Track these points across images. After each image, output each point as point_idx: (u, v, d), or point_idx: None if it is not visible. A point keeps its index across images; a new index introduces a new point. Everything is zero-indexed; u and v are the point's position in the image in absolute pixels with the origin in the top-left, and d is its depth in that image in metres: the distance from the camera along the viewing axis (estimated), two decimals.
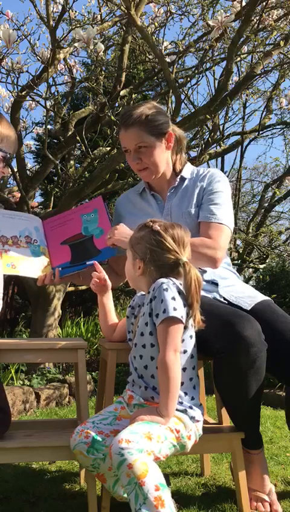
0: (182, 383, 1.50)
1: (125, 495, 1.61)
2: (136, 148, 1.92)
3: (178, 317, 1.45)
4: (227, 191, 1.96)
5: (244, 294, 1.89)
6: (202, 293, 1.78)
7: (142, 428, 1.38)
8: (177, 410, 1.48)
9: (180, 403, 1.50)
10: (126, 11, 3.04)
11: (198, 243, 1.78)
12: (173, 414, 1.45)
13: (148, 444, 1.34)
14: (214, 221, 1.87)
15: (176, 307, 1.45)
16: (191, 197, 1.95)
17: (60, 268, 1.90)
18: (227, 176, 6.21)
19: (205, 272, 1.89)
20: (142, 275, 1.57)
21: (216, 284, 1.88)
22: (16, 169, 4.16)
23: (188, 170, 2.03)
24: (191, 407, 1.51)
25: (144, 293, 1.65)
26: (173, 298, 1.46)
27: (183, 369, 1.52)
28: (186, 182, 2.00)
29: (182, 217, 1.91)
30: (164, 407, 1.43)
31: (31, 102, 4.45)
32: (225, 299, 1.85)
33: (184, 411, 1.49)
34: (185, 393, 1.52)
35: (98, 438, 1.50)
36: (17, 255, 1.88)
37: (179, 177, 2.00)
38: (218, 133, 4.57)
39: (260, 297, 1.90)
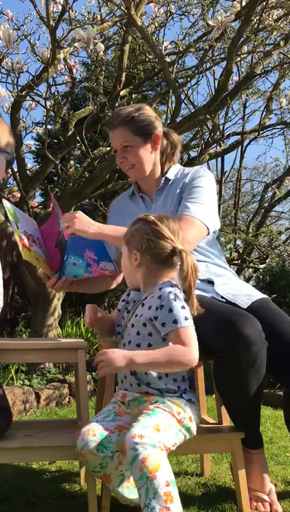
0: (175, 379, 1.54)
1: (126, 495, 1.62)
2: (122, 148, 1.96)
3: (191, 326, 1.48)
4: (208, 187, 1.93)
5: (241, 292, 1.88)
6: (199, 292, 1.78)
7: (150, 421, 1.42)
8: (173, 396, 1.51)
9: (174, 391, 1.53)
10: (126, 11, 3.04)
11: None
12: (133, 367, 1.45)
13: (158, 436, 1.38)
14: (185, 214, 1.83)
15: (187, 316, 1.48)
16: (174, 196, 1.95)
17: (58, 274, 1.90)
18: (227, 176, 6.25)
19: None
20: (139, 267, 1.58)
21: (212, 283, 1.87)
22: (16, 169, 4.16)
23: (174, 171, 2.03)
24: (184, 392, 1.54)
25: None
26: (183, 307, 1.49)
27: None
28: (170, 182, 2.00)
29: None
30: (137, 357, 1.43)
31: (31, 102, 4.45)
32: (222, 297, 1.85)
33: (180, 396, 1.52)
34: (179, 387, 1.54)
35: (105, 435, 1.51)
36: (37, 252, 1.88)
37: (163, 178, 2.00)
38: (218, 133, 4.56)
39: (257, 295, 1.89)
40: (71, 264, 1.89)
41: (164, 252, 1.54)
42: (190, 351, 1.45)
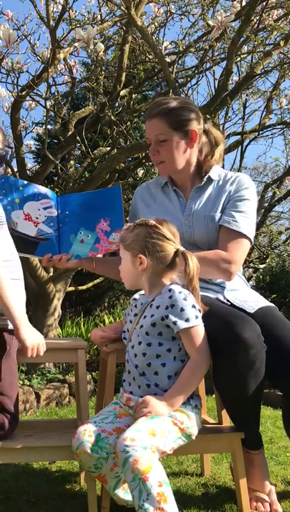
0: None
1: (122, 496, 1.62)
2: (156, 140, 1.89)
3: (201, 325, 1.54)
4: (253, 200, 1.90)
5: (250, 299, 1.88)
6: (206, 293, 1.78)
7: (146, 425, 1.42)
8: None
9: None
10: (126, 11, 3.04)
11: (212, 257, 1.77)
12: (177, 407, 1.50)
13: (152, 440, 1.38)
14: (235, 229, 1.80)
15: (197, 315, 1.53)
16: (217, 202, 1.88)
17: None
18: None
19: None
20: (144, 271, 1.59)
21: (223, 287, 1.87)
22: (16, 169, 4.16)
23: (216, 172, 1.95)
24: (191, 397, 1.56)
25: (143, 292, 1.67)
26: (193, 306, 1.53)
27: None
28: (213, 184, 1.93)
29: (204, 220, 1.86)
30: (174, 398, 1.49)
31: (31, 102, 4.45)
32: (228, 301, 1.84)
33: (187, 401, 1.54)
34: None
35: (102, 436, 1.51)
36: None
37: (206, 177, 1.93)
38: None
39: (264, 302, 1.89)
40: (78, 242, 1.88)
41: (169, 255, 1.58)
42: (201, 360, 1.53)
